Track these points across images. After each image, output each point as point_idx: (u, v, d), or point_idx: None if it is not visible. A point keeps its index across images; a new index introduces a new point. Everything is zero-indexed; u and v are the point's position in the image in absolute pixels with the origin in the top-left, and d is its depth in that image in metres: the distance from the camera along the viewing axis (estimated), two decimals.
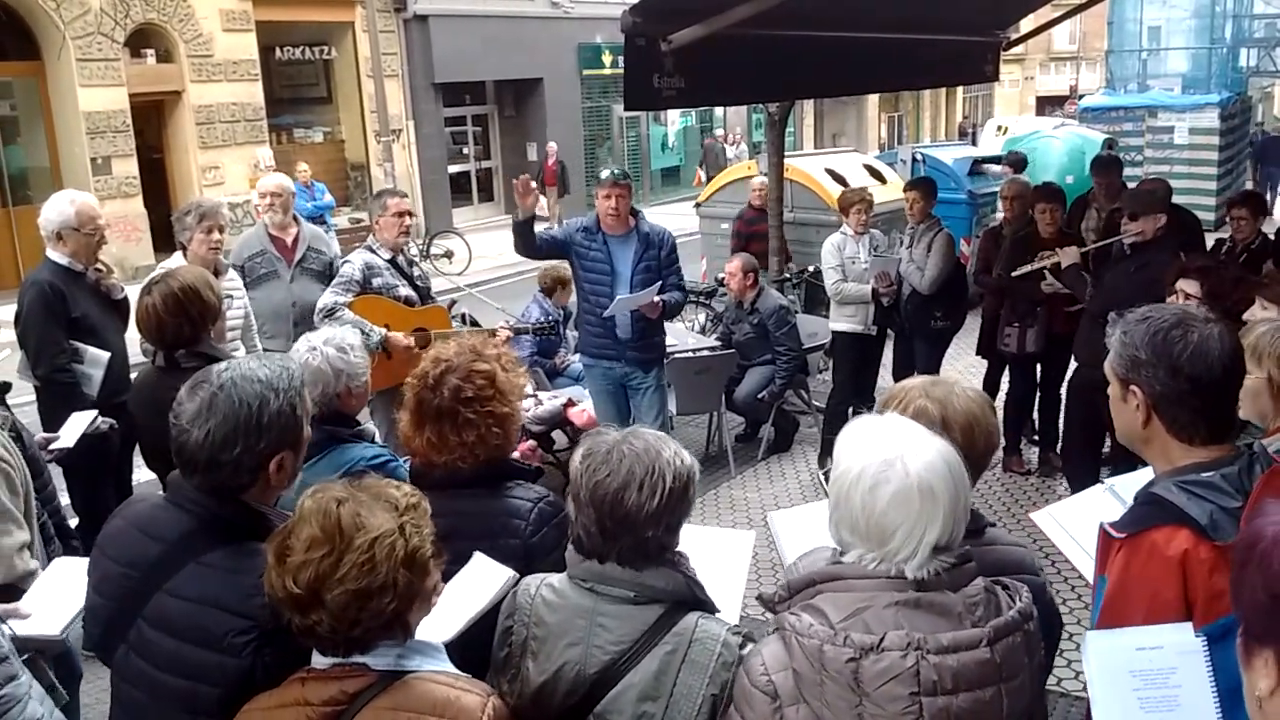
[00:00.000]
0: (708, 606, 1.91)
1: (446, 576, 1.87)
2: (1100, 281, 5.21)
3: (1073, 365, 5.60)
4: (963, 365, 7.54)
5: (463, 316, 6.67)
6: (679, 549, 1.94)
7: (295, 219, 5.65)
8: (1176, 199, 7.40)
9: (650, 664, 1.81)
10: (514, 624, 1.94)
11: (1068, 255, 5.40)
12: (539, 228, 5.24)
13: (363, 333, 4.67)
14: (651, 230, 5.21)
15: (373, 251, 5.05)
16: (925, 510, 1.55)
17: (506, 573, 2.08)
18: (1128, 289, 4.94)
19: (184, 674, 1.84)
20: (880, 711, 1.51)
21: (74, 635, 2.47)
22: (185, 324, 3.32)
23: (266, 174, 11.20)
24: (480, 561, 2.12)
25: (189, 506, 1.94)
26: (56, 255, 4.33)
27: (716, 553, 2.35)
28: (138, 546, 1.95)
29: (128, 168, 14.49)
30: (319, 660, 1.69)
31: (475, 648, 2.01)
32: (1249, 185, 18.41)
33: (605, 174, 5.22)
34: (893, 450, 1.59)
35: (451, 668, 1.77)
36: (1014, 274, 5.96)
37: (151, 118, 15.36)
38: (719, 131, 25.01)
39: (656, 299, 5.09)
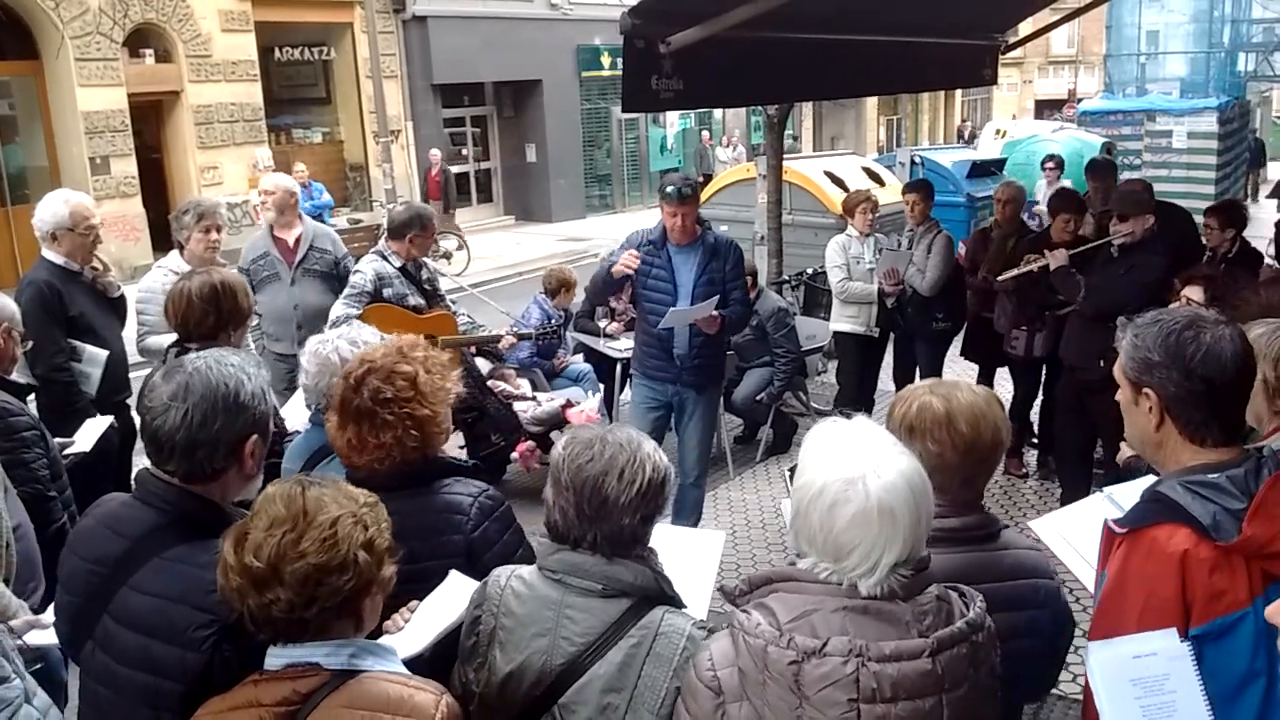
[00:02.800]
0: (675, 602, 1.92)
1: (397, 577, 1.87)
2: (1090, 284, 5.19)
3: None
4: (960, 368, 7.52)
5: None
6: (650, 545, 1.95)
7: (300, 218, 5.61)
8: (1176, 203, 7.45)
9: (615, 656, 1.83)
10: (482, 614, 1.95)
11: (1056, 258, 5.36)
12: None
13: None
14: (718, 241, 4.89)
15: (384, 259, 5.08)
16: (884, 532, 1.54)
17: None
18: (1118, 291, 4.96)
19: (147, 668, 1.86)
20: (819, 715, 1.51)
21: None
22: (212, 313, 3.34)
23: (265, 174, 11.18)
24: (455, 579, 2.14)
25: (155, 503, 1.97)
26: (52, 255, 4.32)
27: (686, 551, 2.36)
28: (104, 543, 1.97)
29: (126, 167, 14.48)
30: (272, 661, 1.71)
31: (445, 658, 2.02)
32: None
33: (669, 189, 4.71)
34: (855, 469, 1.56)
35: (404, 669, 1.77)
36: (999, 278, 5.95)
37: (150, 118, 15.35)
38: (704, 134, 24.97)
39: (716, 313, 4.70)
